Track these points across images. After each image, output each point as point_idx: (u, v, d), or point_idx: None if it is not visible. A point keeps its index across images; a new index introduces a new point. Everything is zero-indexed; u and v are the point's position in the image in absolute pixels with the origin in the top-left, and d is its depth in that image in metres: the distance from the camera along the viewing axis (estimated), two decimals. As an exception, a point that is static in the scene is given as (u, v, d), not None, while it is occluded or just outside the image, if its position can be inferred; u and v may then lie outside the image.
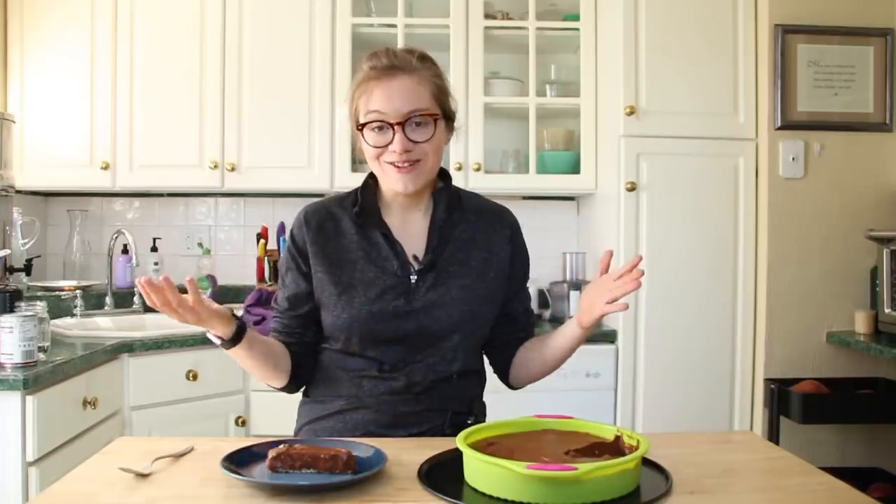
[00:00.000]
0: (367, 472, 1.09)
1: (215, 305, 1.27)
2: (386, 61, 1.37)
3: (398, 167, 1.37)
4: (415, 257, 1.43)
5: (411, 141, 1.36)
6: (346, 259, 1.43)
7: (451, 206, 1.47)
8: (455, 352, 1.41)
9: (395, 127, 1.35)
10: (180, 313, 1.22)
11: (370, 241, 1.44)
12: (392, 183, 1.40)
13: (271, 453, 1.12)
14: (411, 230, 1.46)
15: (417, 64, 1.38)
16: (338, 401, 1.44)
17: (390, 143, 1.36)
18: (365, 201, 1.45)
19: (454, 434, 1.27)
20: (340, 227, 1.46)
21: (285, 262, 1.49)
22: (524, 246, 1.54)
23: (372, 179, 1.49)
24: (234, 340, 1.31)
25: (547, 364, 1.48)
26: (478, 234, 1.47)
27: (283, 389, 1.48)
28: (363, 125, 1.38)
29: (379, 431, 1.38)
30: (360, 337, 1.40)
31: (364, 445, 1.19)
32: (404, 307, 1.39)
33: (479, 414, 1.49)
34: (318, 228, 1.46)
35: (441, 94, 1.40)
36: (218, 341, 1.32)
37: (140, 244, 3.02)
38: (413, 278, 1.41)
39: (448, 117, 1.43)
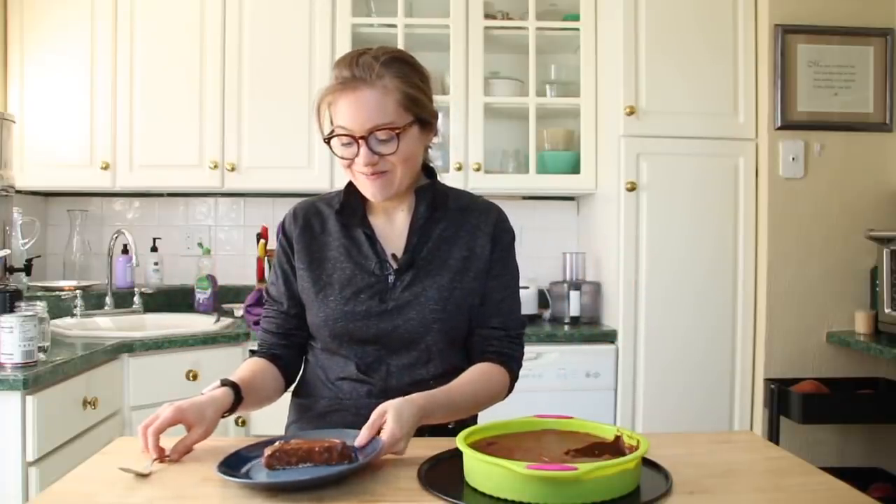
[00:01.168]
0: (364, 461, 1.09)
1: (208, 421, 1.25)
2: (348, 73, 1.33)
3: (367, 177, 1.37)
4: (393, 256, 1.42)
5: (376, 154, 1.34)
6: (328, 257, 1.44)
7: (436, 204, 1.45)
8: (430, 353, 1.40)
9: (360, 141, 1.33)
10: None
11: (352, 239, 1.44)
12: (363, 191, 1.41)
13: (267, 451, 1.12)
14: (394, 229, 1.46)
15: (382, 71, 1.33)
16: (320, 402, 1.44)
17: (357, 155, 1.35)
18: (348, 200, 1.46)
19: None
20: (326, 224, 1.47)
21: (276, 261, 1.50)
22: (510, 242, 1.49)
23: None
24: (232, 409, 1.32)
25: None
26: (460, 232, 1.45)
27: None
28: (330, 138, 1.37)
29: None
30: (333, 336, 1.40)
31: (356, 432, 1.19)
32: (377, 307, 1.39)
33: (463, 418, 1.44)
34: (304, 225, 1.47)
35: (409, 102, 1.35)
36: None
37: (140, 244, 3.02)
38: (391, 278, 1.41)
39: (422, 121, 1.38)
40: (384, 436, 1.15)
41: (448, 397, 1.31)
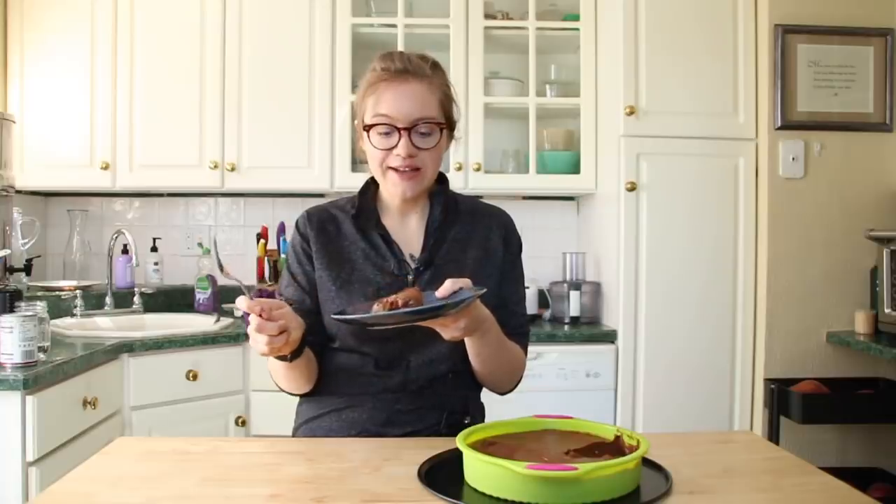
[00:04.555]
0: (469, 301, 1.19)
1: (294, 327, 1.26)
2: (399, 65, 1.38)
3: (399, 172, 1.39)
4: (411, 256, 1.44)
5: (416, 147, 1.37)
6: (346, 259, 1.45)
7: (448, 208, 1.48)
8: (450, 349, 1.41)
9: (402, 132, 1.36)
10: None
11: (369, 241, 1.45)
12: (392, 187, 1.42)
13: (379, 304, 1.20)
14: (409, 231, 1.48)
15: (429, 71, 1.40)
16: (334, 399, 1.44)
17: (394, 147, 1.37)
18: (363, 204, 1.47)
19: (450, 434, 1.27)
20: (341, 229, 1.48)
21: (295, 259, 1.48)
22: (519, 248, 1.54)
23: (372, 182, 1.50)
24: (296, 353, 1.30)
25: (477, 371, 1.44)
26: (473, 234, 1.49)
27: (296, 394, 1.48)
28: (370, 126, 1.39)
29: (374, 430, 1.39)
30: (355, 334, 1.41)
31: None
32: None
33: (475, 414, 1.49)
34: (320, 228, 1.48)
35: (448, 104, 1.43)
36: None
37: (140, 244, 3.02)
38: (410, 277, 1.42)
39: (451, 127, 1.45)
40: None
41: (495, 325, 1.35)
